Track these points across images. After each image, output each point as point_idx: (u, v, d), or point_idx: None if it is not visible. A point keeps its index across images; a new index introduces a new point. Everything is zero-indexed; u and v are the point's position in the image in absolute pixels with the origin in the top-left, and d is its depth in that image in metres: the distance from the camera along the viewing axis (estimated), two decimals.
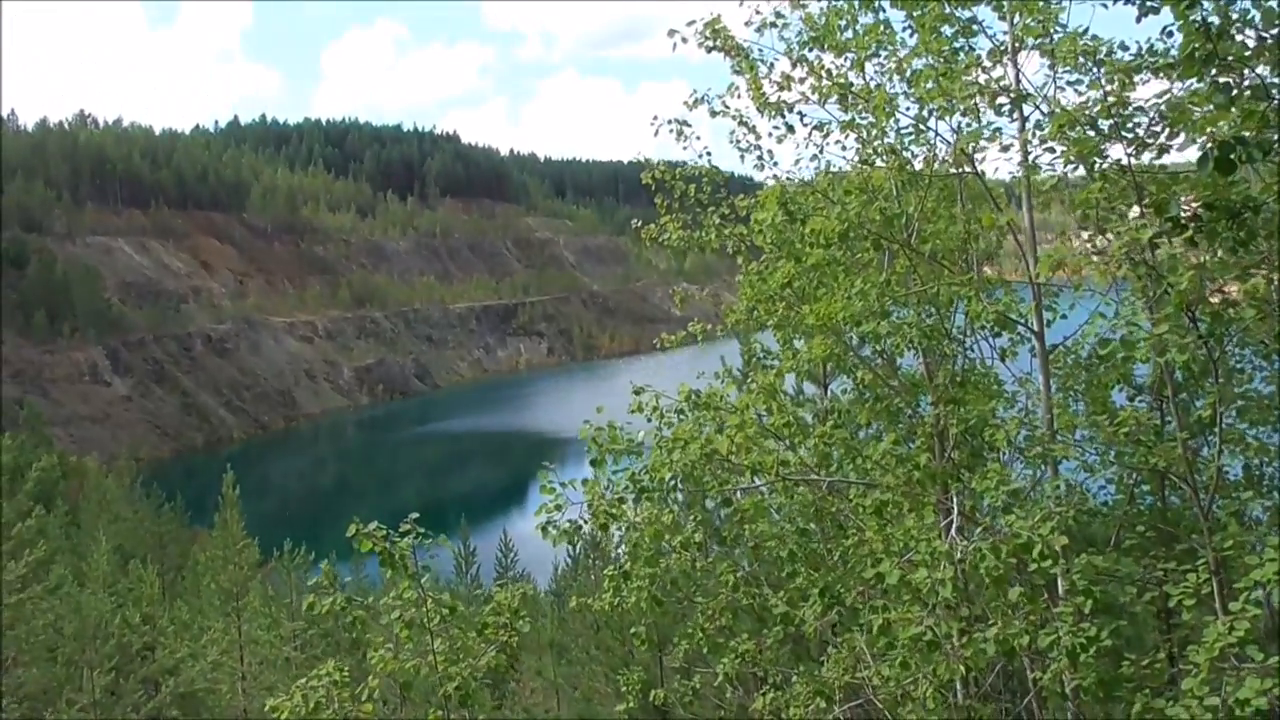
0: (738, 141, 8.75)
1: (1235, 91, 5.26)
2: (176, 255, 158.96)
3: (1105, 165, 6.75)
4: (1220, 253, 5.90)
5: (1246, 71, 5.60)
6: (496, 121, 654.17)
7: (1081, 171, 7.08)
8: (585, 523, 7.14)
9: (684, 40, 7.94)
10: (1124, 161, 6.90)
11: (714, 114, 8.20)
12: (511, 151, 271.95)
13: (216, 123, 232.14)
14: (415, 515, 6.18)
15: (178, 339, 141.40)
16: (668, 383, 10.49)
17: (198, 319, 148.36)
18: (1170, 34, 7.15)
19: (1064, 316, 7.73)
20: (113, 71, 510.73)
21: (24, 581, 20.83)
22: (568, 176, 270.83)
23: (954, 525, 7.09)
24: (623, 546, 8.09)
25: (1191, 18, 5.13)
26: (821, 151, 8.80)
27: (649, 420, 8.66)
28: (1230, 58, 5.30)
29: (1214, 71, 5.43)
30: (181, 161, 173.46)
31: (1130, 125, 7.09)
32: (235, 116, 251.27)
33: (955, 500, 7.45)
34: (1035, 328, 7.69)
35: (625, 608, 8.03)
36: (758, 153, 8.73)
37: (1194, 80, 5.83)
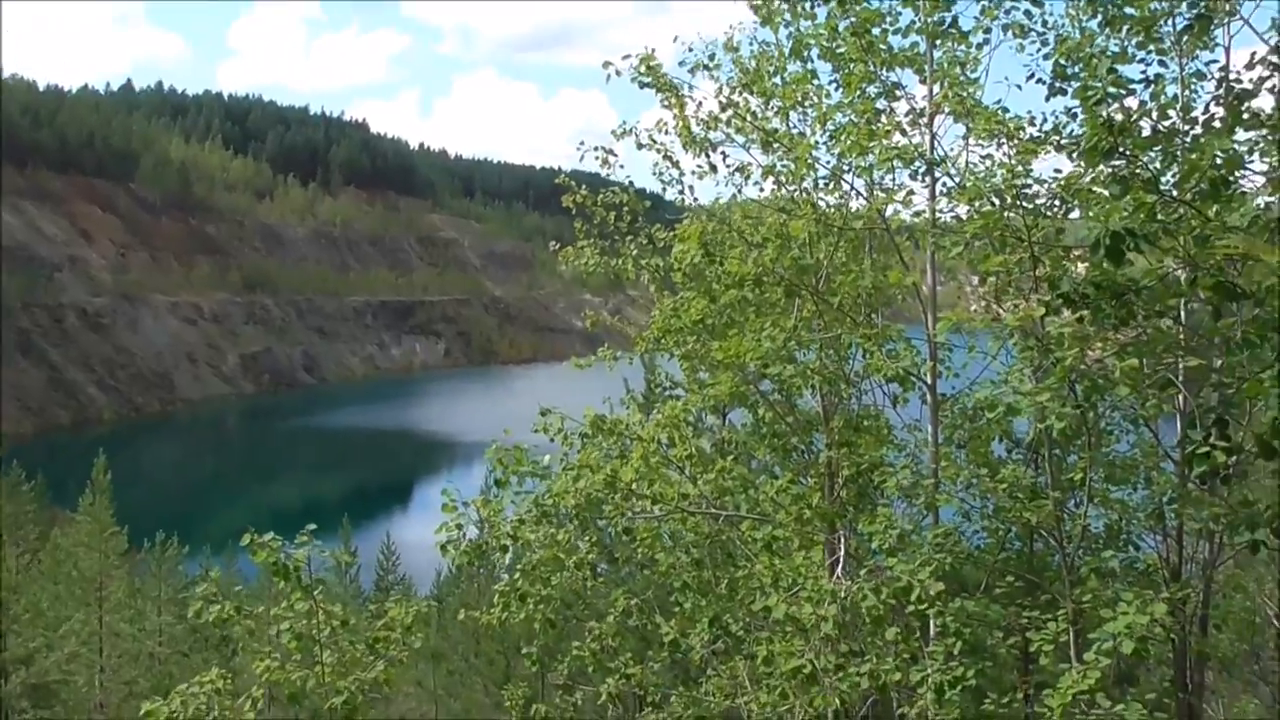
0: (660, 174, 8.95)
1: (1129, 183, 5.69)
2: (53, 220, 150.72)
3: (1006, 234, 7.19)
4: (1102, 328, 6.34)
5: (1142, 159, 6.07)
6: (408, 114, 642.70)
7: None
8: (487, 544, 7.16)
9: (617, 73, 8.10)
10: (1022, 231, 7.34)
11: (640, 147, 8.38)
12: (421, 146, 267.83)
13: (108, 85, 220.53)
14: (312, 527, 6.10)
15: (48, 309, 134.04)
16: (564, 395, 10.59)
17: (71, 290, 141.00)
18: (1074, 115, 7.67)
19: (956, 375, 8.14)
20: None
21: None
22: (478, 177, 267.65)
23: (840, 564, 7.40)
24: (509, 558, 8.13)
25: (1098, 113, 5.53)
26: (740, 192, 9.08)
27: (552, 441, 8.74)
28: (1127, 151, 5.74)
29: (1113, 160, 5.87)
30: (65, 122, 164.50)
31: (1030, 196, 7.56)
32: (129, 80, 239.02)
33: (842, 539, 7.77)
34: (929, 380, 8.08)
35: (514, 624, 8.07)
36: (679, 186, 8.95)
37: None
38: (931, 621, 7.39)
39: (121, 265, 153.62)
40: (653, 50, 8.31)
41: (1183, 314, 7.05)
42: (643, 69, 8.10)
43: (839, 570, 7.21)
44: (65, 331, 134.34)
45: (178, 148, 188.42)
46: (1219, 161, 5.30)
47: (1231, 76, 6.34)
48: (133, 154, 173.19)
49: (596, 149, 8.80)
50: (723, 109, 8.17)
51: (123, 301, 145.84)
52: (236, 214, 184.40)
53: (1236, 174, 5.44)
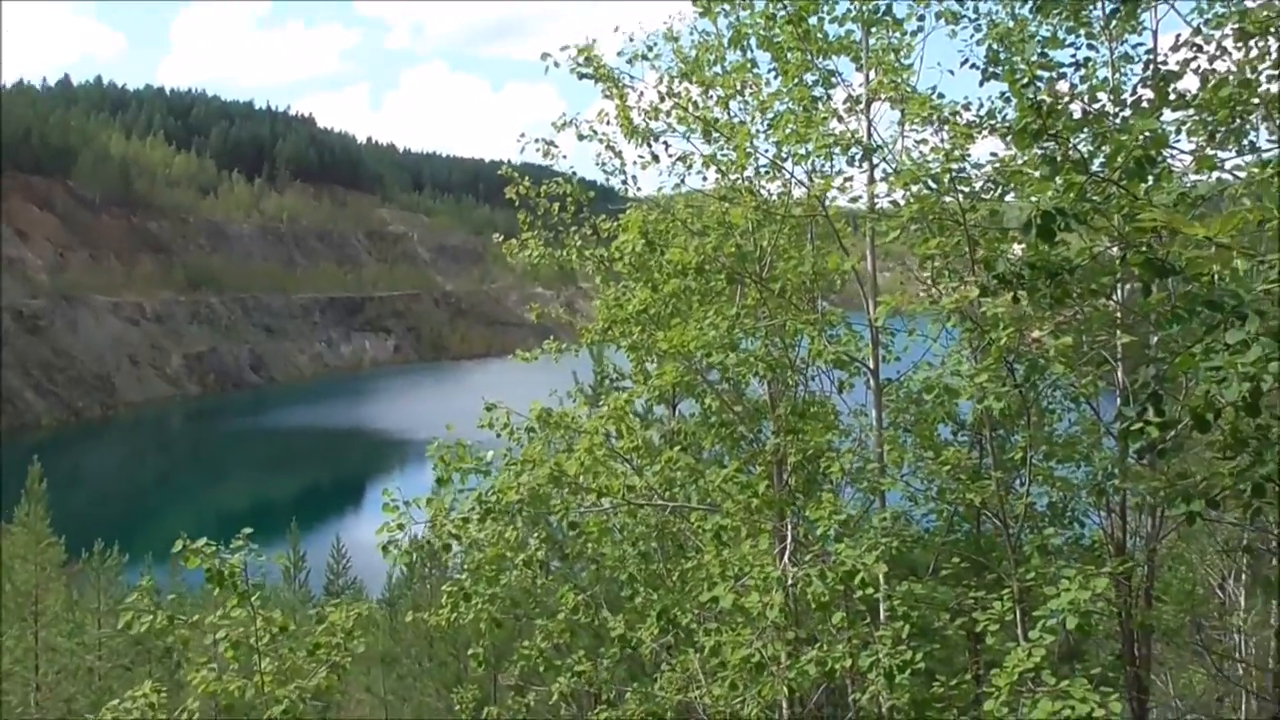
0: (604, 164, 8.88)
1: (1059, 163, 5.74)
2: None
3: (943, 219, 7.22)
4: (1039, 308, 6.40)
5: (1072, 140, 6.14)
6: (356, 107, 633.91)
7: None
8: (429, 542, 7.04)
9: (556, 65, 8.00)
10: (959, 215, 7.39)
11: (581, 138, 8.29)
12: (369, 140, 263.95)
13: (44, 80, 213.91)
14: (249, 530, 5.93)
15: None
16: (516, 389, 10.51)
17: (8, 292, 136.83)
18: (1009, 99, 7.73)
19: (898, 359, 8.17)
20: None
21: None
22: (427, 171, 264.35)
23: (787, 551, 7.40)
24: (459, 558, 8.01)
25: (1026, 95, 5.57)
26: (684, 181, 9.03)
27: (498, 436, 8.63)
28: (1057, 132, 5.78)
29: (1044, 142, 5.92)
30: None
31: (967, 180, 7.61)
32: (66, 76, 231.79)
33: (790, 527, 7.77)
34: (871, 365, 8.11)
35: (463, 624, 7.97)
36: (622, 176, 8.89)
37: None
38: (881, 606, 7.43)
39: (60, 265, 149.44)
40: (593, 41, 8.24)
41: (1120, 292, 7.14)
42: (581, 60, 8.02)
43: (785, 557, 7.21)
44: (0, 335, 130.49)
45: (118, 143, 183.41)
46: (1146, 141, 5.36)
47: (1158, 59, 6.42)
48: (71, 150, 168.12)
49: (537, 141, 8.71)
50: (663, 99, 8.12)
51: (61, 303, 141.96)
52: (180, 211, 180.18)
53: (1163, 153, 5.50)
